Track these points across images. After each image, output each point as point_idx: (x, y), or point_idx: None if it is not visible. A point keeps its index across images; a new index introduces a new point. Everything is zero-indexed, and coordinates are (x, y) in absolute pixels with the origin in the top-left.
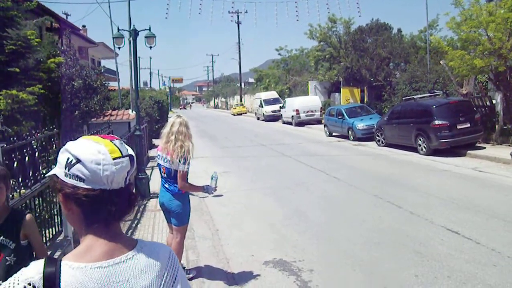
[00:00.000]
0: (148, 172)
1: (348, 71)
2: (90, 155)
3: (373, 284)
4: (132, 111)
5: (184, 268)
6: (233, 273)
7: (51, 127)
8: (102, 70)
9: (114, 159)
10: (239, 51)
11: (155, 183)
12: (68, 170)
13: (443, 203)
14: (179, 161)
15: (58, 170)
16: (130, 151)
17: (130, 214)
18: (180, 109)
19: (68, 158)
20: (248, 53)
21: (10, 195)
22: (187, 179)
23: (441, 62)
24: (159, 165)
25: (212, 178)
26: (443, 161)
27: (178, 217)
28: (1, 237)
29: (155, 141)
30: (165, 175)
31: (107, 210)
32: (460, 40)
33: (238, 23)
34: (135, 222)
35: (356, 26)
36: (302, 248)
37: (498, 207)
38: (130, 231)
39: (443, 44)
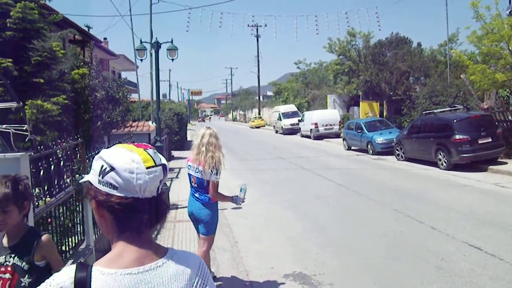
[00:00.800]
0: (167, 183)
1: (367, 84)
2: (124, 163)
3: None
4: (152, 122)
5: (214, 277)
6: (253, 285)
7: (75, 137)
8: (124, 82)
9: (147, 168)
10: (258, 64)
11: (174, 194)
12: (102, 178)
13: (464, 218)
14: (211, 171)
15: (92, 177)
16: (163, 160)
17: (162, 223)
18: (199, 121)
19: (102, 166)
20: (267, 66)
21: (36, 204)
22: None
23: (461, 76)
24: (189, 175)
25: (241, 190)
26: (464, 176)
27: (206, 226)
28: (16, 258)
29: (174, 153)
30: (196, 185)
31: (139, 218)
32: (481, 54)
33: (257, 37)
34: (155, 232)
35: (375, 40)
36: (322, 262)
37: None
38: None
39: (464, 58)
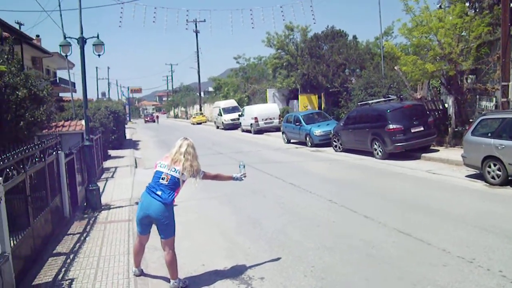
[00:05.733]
0: (102, 183)
1: (305, 78)
2: None
3: None
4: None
5: (181, 279)
6: (181, 283)
7: None
8: (58, 80)
9: None
10: (198, 60)
11: (107, 194)
12: None
13: (397, 205)
14: (192, 176)
15: None
16: None
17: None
18: (147, 121)
19: None
20: (208, 62)
21: None
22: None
23: (395, 67)
24: (159, 173)
25: (239, 167)
26: (398, 165)
27: (167, 228)
28: None
29: (111, 152)
30: (167, 182)
31: None
32: (412, 45)
33: (196, 32)
34: (84, 234)
35: (312, 34)
36: (254, 256)
37: (450, 208)
38: (78, 244)
39: (396, 49)
